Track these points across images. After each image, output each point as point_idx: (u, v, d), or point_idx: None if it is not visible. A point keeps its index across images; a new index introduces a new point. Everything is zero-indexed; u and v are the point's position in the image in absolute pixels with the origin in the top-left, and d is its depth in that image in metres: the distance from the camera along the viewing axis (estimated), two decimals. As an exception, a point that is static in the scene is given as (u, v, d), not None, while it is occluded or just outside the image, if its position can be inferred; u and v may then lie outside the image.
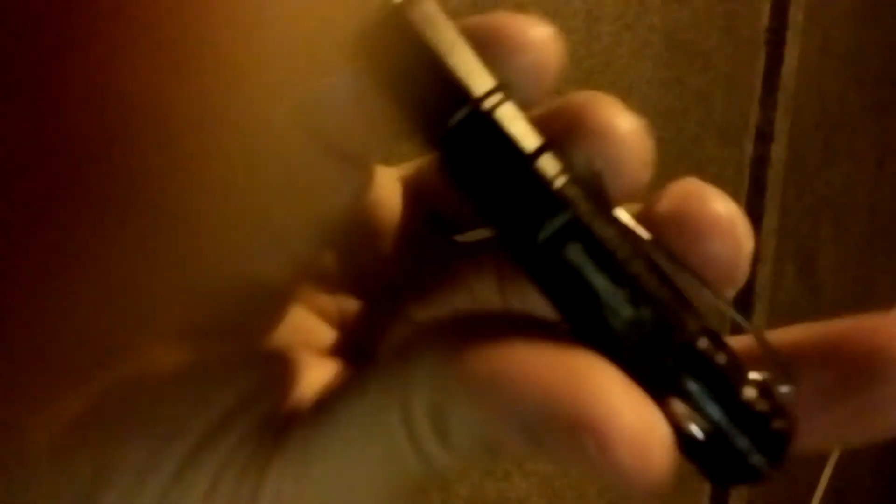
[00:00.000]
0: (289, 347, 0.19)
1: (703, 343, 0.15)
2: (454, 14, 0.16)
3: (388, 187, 0.20)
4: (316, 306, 0.21)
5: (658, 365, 0.15)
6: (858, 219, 0.99)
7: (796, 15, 0.73)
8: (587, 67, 0.56)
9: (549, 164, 0.15)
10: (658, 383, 0.15)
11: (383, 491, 0.17)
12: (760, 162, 0.72)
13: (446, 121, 0.15)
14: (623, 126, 0.17)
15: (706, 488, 0.77)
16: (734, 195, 0.73)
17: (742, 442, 0.15)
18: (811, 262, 0.83)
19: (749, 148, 0.72)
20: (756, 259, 0.78)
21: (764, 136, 0.72)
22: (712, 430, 0.15)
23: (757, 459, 0.15)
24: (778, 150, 0.73)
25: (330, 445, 0.16)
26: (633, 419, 0.14)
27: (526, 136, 0.15)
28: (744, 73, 0.72)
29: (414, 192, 0.21)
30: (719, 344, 0.15)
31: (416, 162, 0.21)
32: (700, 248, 0.16)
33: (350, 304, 0.21)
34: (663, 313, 0.15)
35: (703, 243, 0.16)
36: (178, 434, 0.17)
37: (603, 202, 0.16)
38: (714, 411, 0.15)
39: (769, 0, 0.72)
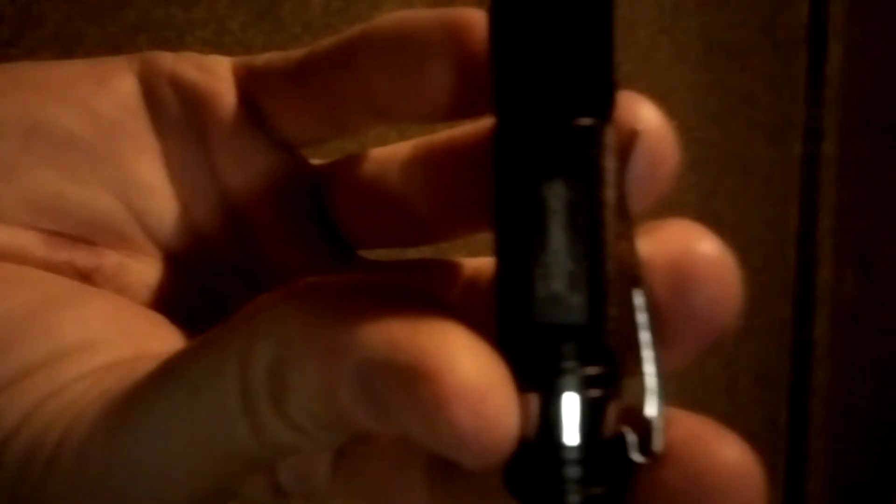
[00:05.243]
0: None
1: (596, 370, 0.14)
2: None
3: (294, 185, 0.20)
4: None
5: (542, 355, 0.14)
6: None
7: (836, 11, 0.72)
8: (625, 73, 0.55)
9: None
10: (530, 372, 0.14)
11: (205, 469, 0.15)
12: (811, 161, 0.71)
13: None
14: (656, 122, 0.16)
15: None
16: (786, 196, 0.72)
17: (572, 472, 0.14)
18: (871, 263, 0.80)
19: (798, 147, 0.71)
20: (814, 262, 0.76)
21: (813, 134, 0.71)
22: (550, 448, 0.14)
23: (572, 498, 0.14)
24: (828, 148, 0.71)
25: (156, 402, 0.15)
26: (474, 372, 0.13)
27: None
28: (786, 71, 0.70)
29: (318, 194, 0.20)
30: (612, 381, 0.14)
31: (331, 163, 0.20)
32: (687, 297, 0.14)
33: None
34: (589, 317, 0.14)
35: (692, 292, 0.14)
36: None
37: (623, 190, 0.14)
38: (566, 432, 0.14)
39: (807, -3, 0.71)
